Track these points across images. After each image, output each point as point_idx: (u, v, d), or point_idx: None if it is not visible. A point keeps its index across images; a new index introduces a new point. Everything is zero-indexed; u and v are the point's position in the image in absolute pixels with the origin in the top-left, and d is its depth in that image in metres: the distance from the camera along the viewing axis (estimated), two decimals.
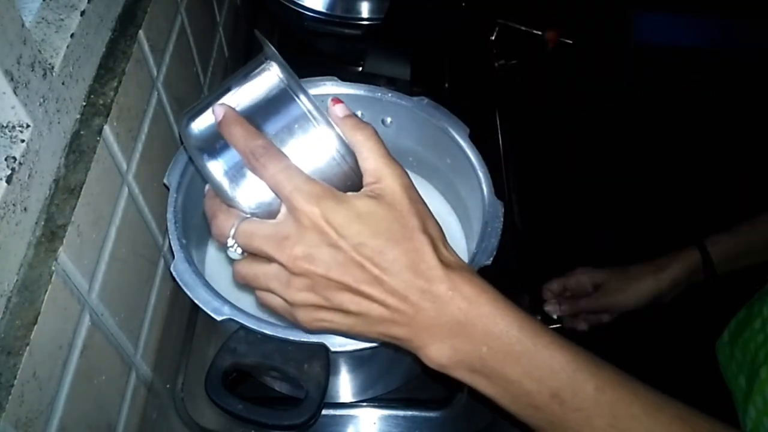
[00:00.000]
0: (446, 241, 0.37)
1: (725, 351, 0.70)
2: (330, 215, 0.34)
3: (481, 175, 0.58)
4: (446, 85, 0.84)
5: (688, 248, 0.56)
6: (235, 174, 0.37)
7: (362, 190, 0.37)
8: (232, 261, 0.40)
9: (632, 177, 1.39)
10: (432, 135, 0.62)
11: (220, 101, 0.38)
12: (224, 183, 0.37)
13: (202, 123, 0.39)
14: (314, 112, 0.37)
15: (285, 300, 0.37)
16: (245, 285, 0.39)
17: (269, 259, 0.36)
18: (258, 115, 0.37)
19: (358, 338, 0.38)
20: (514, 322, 0.34)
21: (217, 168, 0.38)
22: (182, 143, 0.40)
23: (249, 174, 0.37)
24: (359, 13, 0.86)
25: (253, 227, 0.36)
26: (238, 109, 0.38)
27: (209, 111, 0.39)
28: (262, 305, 0.39)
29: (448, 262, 0.35)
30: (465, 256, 0.63)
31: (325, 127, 0.37)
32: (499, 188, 0.57)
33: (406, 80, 0.82)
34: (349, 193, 0.36)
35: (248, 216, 0.37)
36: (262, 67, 0.39)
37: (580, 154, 1.41)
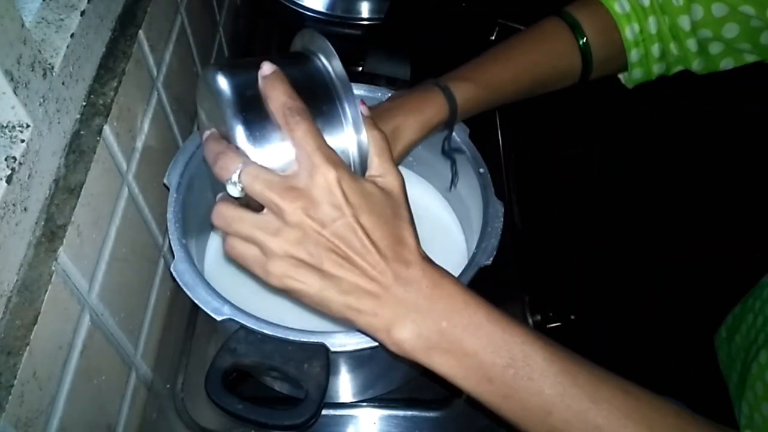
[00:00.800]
0: None
1: (723, 347, 0.70)
2: (342, 181, 0.37)
3: (481, 175, 0.58)
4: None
5: (433, 98, 0.53)
6: (258, 130, 0.38)
7: (366, 177, 0.40)
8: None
9: (632, 177, 1.39)
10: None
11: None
12: (245, 135, 0.38)
13: (237, 73, 0.40)
14: (349, 112, 0.40)
15: (264, 249, 0.37)
16: (220, 227, 0.39)
17: (265, 206, 0.37)
18: (297, 89, 0.39)
19: (319, 307, 0.38)
20: (471, 302, 0.38)
21: (243, 117, 0.38)
22: (208, 88, 0.40)
23: (270, 135, 0.38)
24: (359, 13, 0.86)
25: (261, 170, 0.37)
26: None
27: (248, 66, 0.40)
28: (228, 252, 0.39)
29: (422, 252, 0.39)
30: (465, 256, 0.63)
31: (353, 132, 0.40)
32: (499, 188, 0.57)
33: (406, 80, 0.82)
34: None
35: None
36: (314, 56, 0.42)
37: (580, 155, 1.41)
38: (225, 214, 0.39)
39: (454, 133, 0.60)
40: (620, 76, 0.62)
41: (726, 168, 1.36)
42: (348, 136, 0.40)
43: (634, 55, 0.58)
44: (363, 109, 0.41)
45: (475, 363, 0.37)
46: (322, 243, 0.37)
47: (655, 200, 1.37)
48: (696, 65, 0.58)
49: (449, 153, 0.60)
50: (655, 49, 0.58)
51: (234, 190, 0.38)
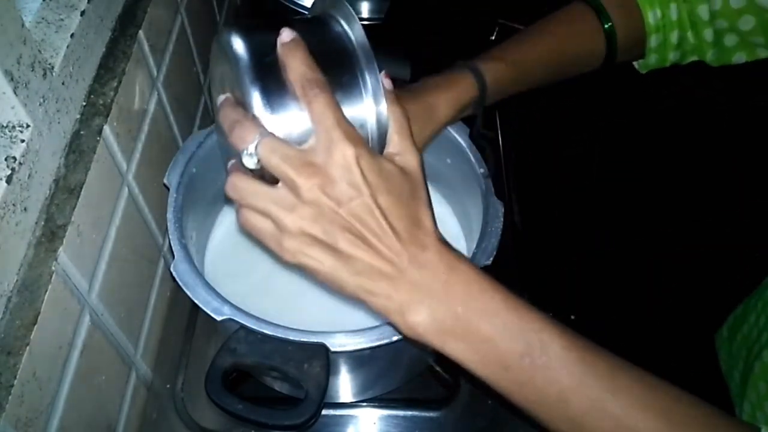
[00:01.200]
0: None
1: (725, 347, 0.70)
2: (361, 159, 0.36)
3: (481, 175, 0.58)
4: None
5: (463, 77, 0.54)
6: (276, 98, 0.37)
7: (385, 155, 0.39)
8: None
9: (632, 177, 1.39)
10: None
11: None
12: (263, 102, 0.37)
13: (255, 37, 0.38)
14: (369, 82, 0.39)
15: (278, 224, 0.37)
16: (234, 199, 0.38)
17: (280, 181, 0.37)
18: (316, 56, 0.38)
19: (332, 287, 0.38)
20: (488, 287, 0.37)
21: (260, 85, 0.37)
22: (224, 52, 0.38)
23: (288, 104, 0.37)
24: (359, 13, 0.86)
25: (279, 143, 0.36)
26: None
27: (267, 29, 0.38)
28: (243, 225, 0.38)
29: (439, 235, 0.38)
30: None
31: (372, 103, 0.38)
32: (499, 188, 0.57)
33: (406, 80, 0.82)
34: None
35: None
36: (335, 21, 0.41)
37: (580, 155, 1.41)
38: (239, 185, 0.38)
39: (453, 131, 0.60)
40: (635, 63, 0.63)
41: (726, 167, 1.36)
42: (367, 107, 0.39)
43: (653, 40, 0.59)
44: (386, 82, 0.40)
45: (490, 349, 0.36)
46: (337, 222, 0.36)
47: (655, 200, 1.37)
48: (710, 56, 0.59)
49: (478, 139, 0.59)
50: (674, 37, 0.59)
51: (250, 162, 0.37)
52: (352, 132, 0.36)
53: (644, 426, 0.35)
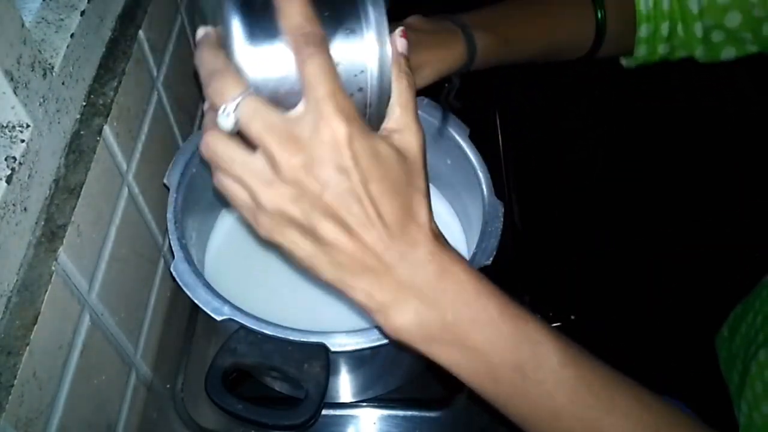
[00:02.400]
0: None
1: (725, 346, 0.70)
2: (354, 139, 0.31)
3: (481, 175, 0.58)
4: (446, 84, 0.84)
5: (455, 42, 0.52)
6: (264, 41, 0.31)
7: (382, 133, 0.34)
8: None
9: (632, 177, 1.39)
10: (432, 135, 0.62)
11: None
12: (245, 44, 0.31)
13: None
14: (371, 16, 0.33)
15: (254, 198, 0.33)
16: (209, 161, 0.34)
17: (260, 149, 0.32)
18: None
19: (308, 271, 0.34)
20: (483, 293, 0.34)
21: (246, 22, 0.31)
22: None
23: (280, 50, 0.32)
24: None
25: (263, 107, 0.31)
26: None
27: None
28: (217, 187, 0.34)
29: (434, 229, 0.35)
30: (465, 256, 0.63)
31: (374, 41, 0.33)
32: (499, 188, 0.57)
33: None
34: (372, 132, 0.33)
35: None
36: None
37: (580, 155, 1.41)
38: (215, 149, 0.33)
39: (453, 131, 0.60)
40: (622, 60, 0.63)
41: (726, 167, 1.36)
42: (367, 46, 0.32)
43: (643, 30, 0.58)
44: (399, 43, 0.34)
45: (480, 359, 0.34)
46: (319, 206, 0.32)
47: (655, 200, 1.37)
48: (699, 52, 0.59)
49: (452, 104, 0.56)
50: (664, 28, 0.58)
51: (226, 122, 0.32)
52: (347, 106, 0.31)
53: None
